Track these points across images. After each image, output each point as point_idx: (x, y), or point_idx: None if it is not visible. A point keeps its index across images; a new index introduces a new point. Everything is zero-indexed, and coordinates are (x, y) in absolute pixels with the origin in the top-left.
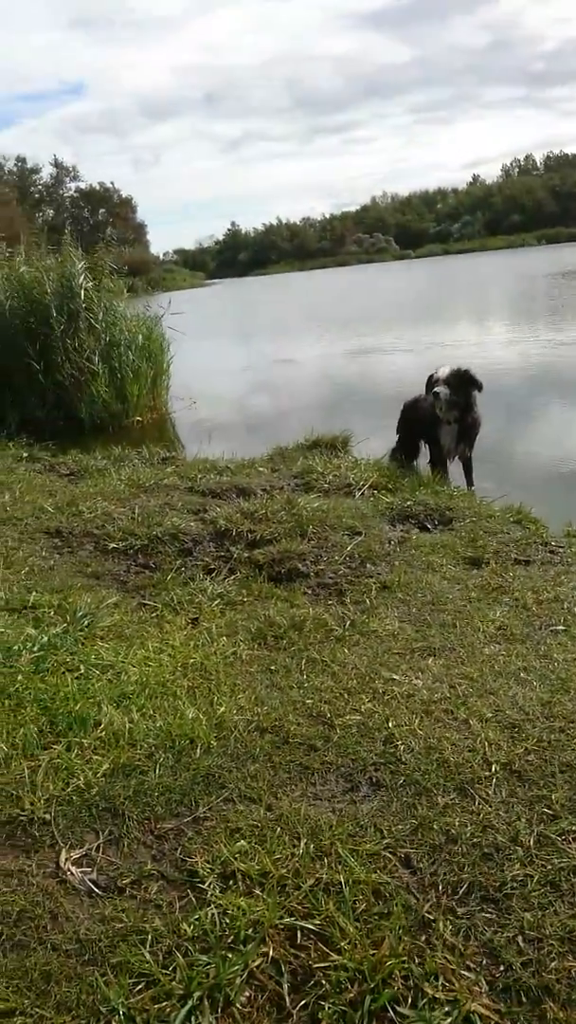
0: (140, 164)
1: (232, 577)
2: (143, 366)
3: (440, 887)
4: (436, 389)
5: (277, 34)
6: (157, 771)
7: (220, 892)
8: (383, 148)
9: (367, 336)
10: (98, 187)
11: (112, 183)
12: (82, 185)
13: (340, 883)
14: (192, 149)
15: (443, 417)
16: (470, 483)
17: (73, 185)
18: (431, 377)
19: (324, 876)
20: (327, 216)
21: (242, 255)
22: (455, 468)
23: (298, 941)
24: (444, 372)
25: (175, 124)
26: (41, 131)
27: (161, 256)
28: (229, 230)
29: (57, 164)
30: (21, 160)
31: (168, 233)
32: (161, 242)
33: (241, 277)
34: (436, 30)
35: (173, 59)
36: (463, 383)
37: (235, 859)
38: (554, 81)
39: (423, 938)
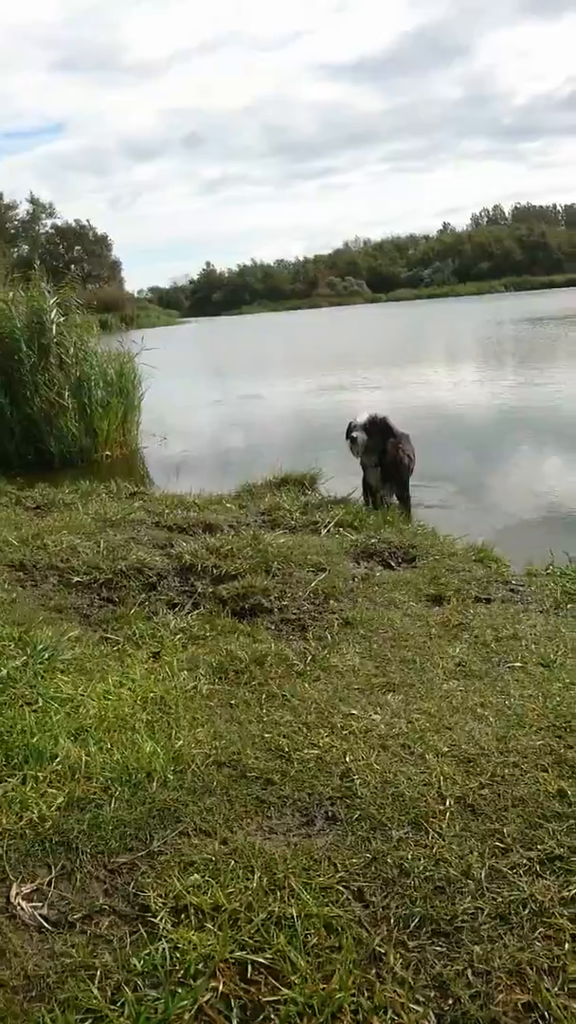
0: (119, 203)
1: (195, 612)
2: (114, 401)
3: (392, 920)
4: (353, 435)
5: (258, 82)
6: (112, 805)
7: (172, 926)
8: (359, 194)
9: (339, 374)
10: (74, 224)
11: (88, 220)
12: (58, 222)
13: (292, 916)
14: (171, 190)
15: (362, 461)
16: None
17: (49, 222)
18: (350, 424)
19: (276, 909)
20: (301, 259)
21: (216, 295)
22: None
23: (249, 975)
24: (362, 419)
25: (155, 165)
26: (23, 168)
27: (136, 294)
28: (204, 270)
29: (33, 201)
30: None
31: (143, 271)
32: (136, 280)
33: (215, 316)
34: (413, 82)
35: (156, 102)
36: (379, 430)
37: (188, 893)
38: (524, 135)
39: (373, 971)
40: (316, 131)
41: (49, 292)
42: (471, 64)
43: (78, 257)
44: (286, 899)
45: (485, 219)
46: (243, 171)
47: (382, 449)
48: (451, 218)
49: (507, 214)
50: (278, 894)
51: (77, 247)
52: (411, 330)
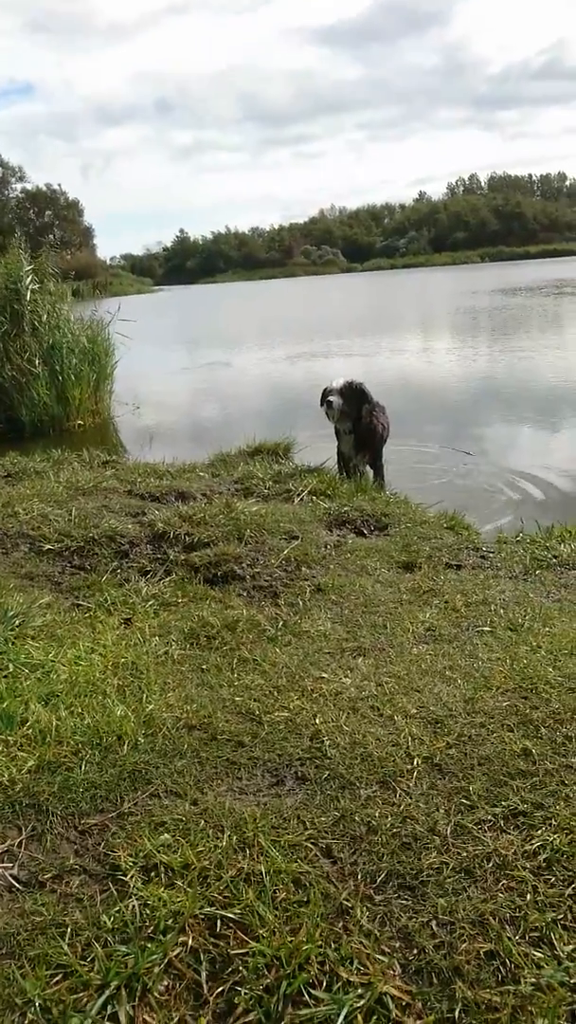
0: (90, 169)
1: (168, 579)
2: (86, 370)
3: (359, 876)
4: (329, 399)
5: (230, 47)
6: (83, 768)
7: (142, 884)
8: (333, 163)
9: (314, 345)
10: (44, 189)
11: (59, 185)
12: (28, 186)
13: (261, 873)
14: (143, 156)
15: (337, 427)
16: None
17: (19, 186)
18: (326, 389)
19: (246, 867)
20: (276, 227)
21: (190, 263)
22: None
23: (218, 930)
24: (338, 384)
25: (127, 130)
26: None
27: (108, 261)
28: (178, 237)
29: (2, 164)
30: None
31: (116, 239)
32: (109, 247)
33: (189, 285)
34: (388, 50)
35: (127, 66)
36: (355, 395)
37: (158, 852)
38: (499, 105)
39: (340, 924)
40: (290, 98)
41: (25, 259)
42: (446, 32)
43: (49, 223)
44: (255, 856)
45: (461, 188)
46: (216, 138)
47: (357, 416)
48: (427, 187)
49: (483, 184)
50: (247, 852)
51: (48, 212)
52: (387, 301)
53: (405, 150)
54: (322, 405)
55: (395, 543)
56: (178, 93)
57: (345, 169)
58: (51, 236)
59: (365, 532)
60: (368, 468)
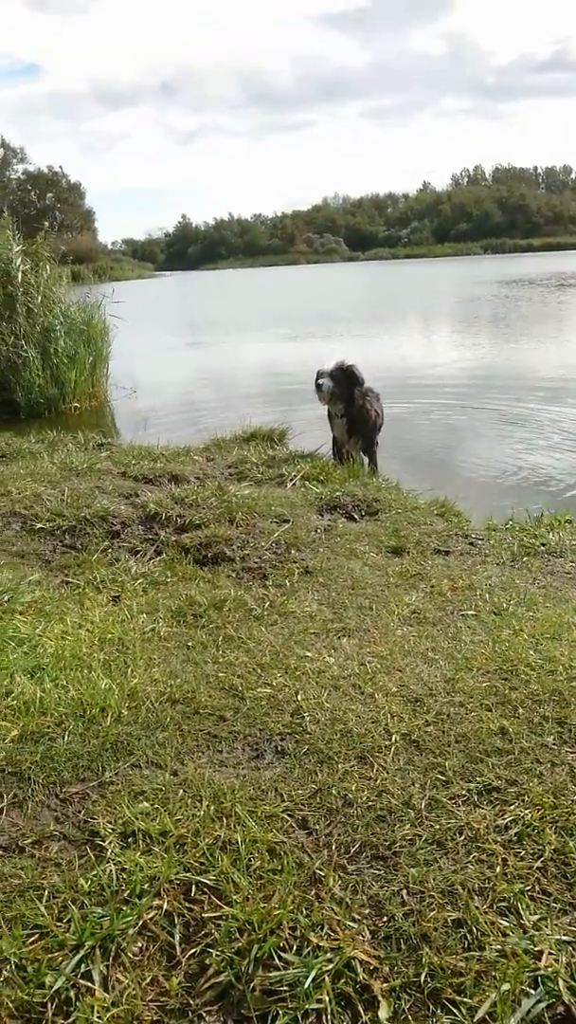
0: (92, 151)
1: (158, 559)
2: (81, 352)
3: (333, 846)
4: (319, 381)
5: (232, 28)
6: (66, 738)
7: (119, 850)
8: (336, 149)
9: (314, 328)
10: (46, 171)
11: (60, 167)
12: (29, 168)
13: (237, 842)
14: (146, 139)
15: (329, 410)
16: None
17: (20, 167)
18: (318, 371)
19: (222, 835)
20: (278, 214)
21: (192, 248)
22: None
23: (192, 895)
24: (329, 366)
25: (129, 112)
26: None
27: (109, 245)
28: (179, 223)
29: (3, 144)
30: None
31: (118, 222)
32: (110, 231)
33: (190, 271)
34: (394, 36)
35: (130, 47)
36: (346, 377)
37: (137, 819)
38: (504, 96)
39: (313, 892)
40: (292, 82)
41: (17, 240)
42: (453, 21)
43: (50, 205)
44: (232, 826)
45: (465, 179)
46: (219, 122)
47: (348, 398)
48: (431, 177)
49: (487, 175)
50: (224, 821)
51: (49, 194)
52: (389, 291)
53: (409, 138)
54: (315, 387)
55: (385, 528)
56: (181, 75)
57: (349, 156)
58: (52, 219)
59: (356, 517)
60: (362, 454)
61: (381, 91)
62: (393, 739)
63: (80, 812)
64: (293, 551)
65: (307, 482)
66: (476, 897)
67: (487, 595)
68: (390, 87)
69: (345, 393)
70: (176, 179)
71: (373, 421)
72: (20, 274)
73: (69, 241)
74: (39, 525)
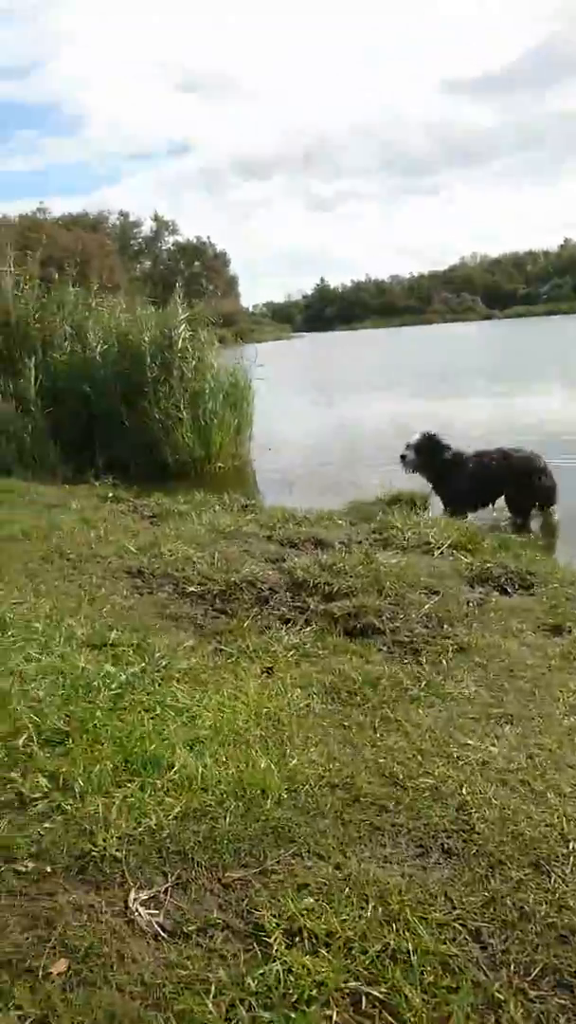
0: (235, 219)
1: (308, 628)
2: (227, 414)
3: (512, 966)
4: (402, 453)
5: (371, 99)
6: (227, 819)
7: (286, 948)
8: (473, 209)
9: (445, 387)
10: (194, 240)
11: (208, 237)
12: (179, 239)
13: (408, 951)
14: (286, 206)
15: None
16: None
17: (171, 239)
18: (406, 444)
19: (392, 942)
20: (415, 275)
21: (329, 310)
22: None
23: (363, 1007)
24: (414, 439)
25: (270, 183)
26: (145, 187)
27: (250, 308)
28: (317, 285)
29: (157, 219)
30: (124, 215)
31: (258, 286)
32: (251, 295)
33: (327, 332)
34: (530, 98)
35: (270, 121)
36: (430, 446)
37: (302, 916)
38: None
39: (492, 1019)
40: (429, 146)
41: (183, 309)
42: None
43: (197, 272)
44: (401, 932)
45: None
46: (356, 187)
47: (435, 467)
48: (570, 233)
49: None
50: (393, 926)
51: (196, 263)
52: (526, 348)
53: (548, 196)
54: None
55: (541, 604)
56: (319, 144)
57: (486, 215)
58: (199, 286)
59: (509, 591)
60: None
61: (518, 150)
62: (571, 847)
63: (243, 900)
64: (445, 626)
65: (455, 551)
66: None
67: None
68: (527, 146)
69: (430, 463)
70: (314, 243)
71: (455, 489)
72: (180, 340)
73: (215, 306)
74: (190, 588)
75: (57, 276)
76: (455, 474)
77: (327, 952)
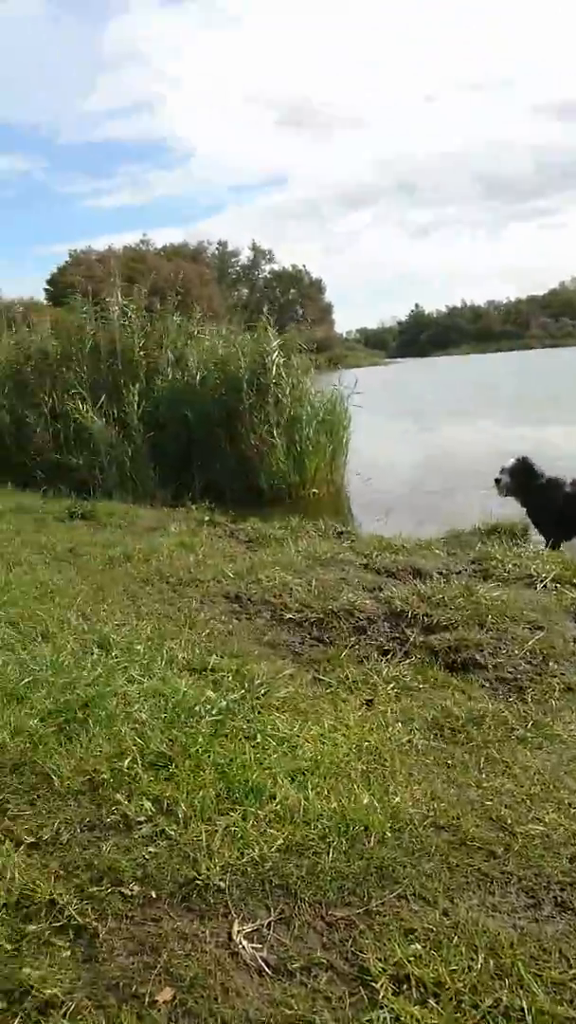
0: (331, 248)
1: (407, 661)
2: (323, 440)
3: None
4: (497, 477)
5: (470, 126)
6: (330, 854)
7: (393, 995)
8: (573, 233)
9: (545, 412)
10: (290, 269)
11: (304, 266)
12: (276, 267)
13: (523, 1009)
14: (382, 234)
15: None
16: None
17: (268, 267)
18: (501, 467)
19: (504, 998)
20: (513, 299)
21: (423, 335)
22: None
23: None
24: (508, 463)
25: (368, 211)
26: (244, 218)
27: (344, 335)
28: (412, 311)
29: (255, 248)
30: (222, 244)
31: (352, 313)
32: (345, 321)
33: (422, 357)
34: None
35: (369, 152)
36: (522, 472)
37: (409, 962)
38: None
39: None
40: (530, 172)
41: (275, 335)
42: None
43: (293, 300)
44: (514, 988)
45: None
46: (453, 213)
47: (527, 492)
48: None
49: None
50: (506, 981)
51: (292, 290)
52: None
53: None
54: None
55: None
56: (416, 173)
57: None
58: (295, 313)
59: None
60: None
61: None
62: None
63: (348, 941)
64: (551, 663)
65: (559, 584)
66: None
67: None
68: None
69: (523, 487)
70: (410, 269)
71: (549, 511)
72: (275, 367)
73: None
74: (288, 615)
75: (160, 305)
76: (549, 499)
77: (436, 1003)
